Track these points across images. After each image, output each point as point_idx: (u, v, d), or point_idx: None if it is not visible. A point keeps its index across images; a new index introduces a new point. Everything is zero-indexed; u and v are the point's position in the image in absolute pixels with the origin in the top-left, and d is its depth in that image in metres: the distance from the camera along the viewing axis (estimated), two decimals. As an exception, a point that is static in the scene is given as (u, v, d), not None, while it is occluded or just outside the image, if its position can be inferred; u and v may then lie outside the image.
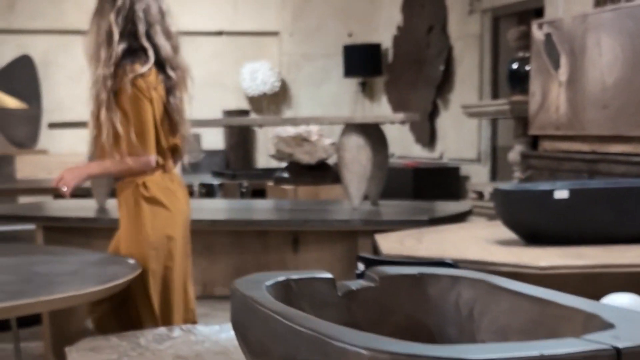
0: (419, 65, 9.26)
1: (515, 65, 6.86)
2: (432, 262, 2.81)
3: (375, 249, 3.60)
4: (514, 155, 6.90)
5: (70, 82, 9.18)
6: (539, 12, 7.94)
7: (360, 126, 4.65)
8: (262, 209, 5.12)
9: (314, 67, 10.38)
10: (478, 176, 8.32)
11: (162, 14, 3.64)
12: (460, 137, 8.58)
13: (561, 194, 3.00)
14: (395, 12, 9.96)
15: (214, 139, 9.91)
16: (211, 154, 9.78)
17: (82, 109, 4.02)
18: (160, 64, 3.53)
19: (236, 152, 9.76)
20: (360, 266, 2.96)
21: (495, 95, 8.19)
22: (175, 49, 3.67)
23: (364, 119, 4.63)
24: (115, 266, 3.03)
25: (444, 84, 8.81)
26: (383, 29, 10.28)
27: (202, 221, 4.51)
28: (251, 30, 10.25)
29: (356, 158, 4.65)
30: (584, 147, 5.90)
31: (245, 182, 6.77)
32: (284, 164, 8.43)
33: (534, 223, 3.07)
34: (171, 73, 3.56)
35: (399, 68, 9.68)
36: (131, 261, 3.12)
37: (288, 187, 6.01)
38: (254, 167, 9.98)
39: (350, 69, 10.08)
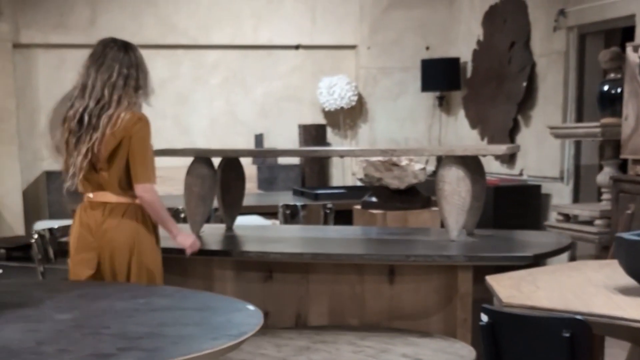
0: (499, 81, 9.16)
1: (605, 87, 6.74)
2: (563, 319, 2.74)
3: (487, 291, 3.54)
4: (602, 177, 6.78)
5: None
6: (626, 31, 7.81)
7: (460, 157, 4.59)
8: (357, 238, 5.07)
9: (390, 81, 10.32)
10: (560, 195, 8.19)
11: None
12: (541, 155, 8.46)
13: (690, 245, 2.92)
14: (474, 26, 9.86)
15: (290, 153, 9.89)
16: (286, 168, 9.77)
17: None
18: None
19: (311, 167, 9.74)
20: (484, 317, 2.90)
21: (579, 114, 8.06)
22: None
23: (464, 150, 4.55)
24: (237, 313, 3.01)
25: (526, 100, 8.69)
26: (461, 43, 10.19)
27: (302, 255, 4.50)
28: (329, 44, 10.22)
29: (456, 190, 4.59)
30: (682, 173, 5.77)
31: (329, 203, 6.72)
32: (359, 183, 8.41)
33: (660, 274, 2.99)
34: None
35: (479, 83, 9.58)
36: (250, 307, 3.10)
37: (377, 211, 5.96)
38: (331, 184, 9.95)
39: (427, 83, 10.00)
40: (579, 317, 2.72)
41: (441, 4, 10.42)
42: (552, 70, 8.37)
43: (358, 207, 6.29)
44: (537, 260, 4.20)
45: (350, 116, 10.20)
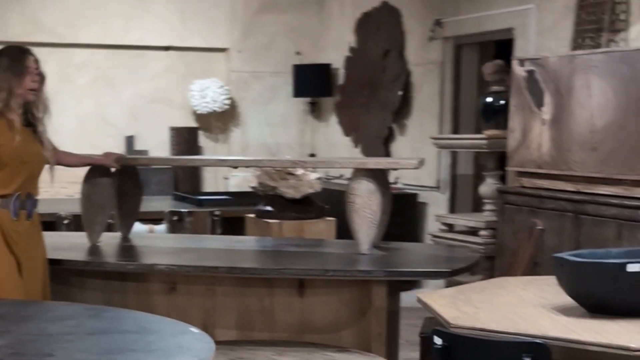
0: (373, 89, 9.22)
1: (489, 99, 6.87)
2: (523, 342, 2.75)
3: (397, 305, 3.53)
4: (485, 188, 6.91)
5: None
6: (499, 43, 8.01)
7: (371, 170, 4.58)
8: (266, 250, 4.98)
9: (262, 86, 10.26)
10: (437, 204, 8.32)
11: None
12: (417, 163, 8.56)
13: (634, 267, 2.99)
14: (346, 33, 9.91)
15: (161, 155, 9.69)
16: (159, 171, 9.55)
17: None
18: None
19: (184, 170, 9.57)
20: (438, 340, 2.88)
21: (455, 125, 8.20)
22: None
23: (377, 164, 4.55)
24: (183, 337, 2.90)
25: (401, 109, 8.78)
26: (332, 49, 10.22)
27: (205, 267, 4.39)
28: (200, 46, 10.07)
29: (367, 203, 4.57)
30: (568, 186, 5.94)
31: (217, 210, 6.61)
32: (233, 189, 8.30)
33: (604, 295, 3.04)
34: None
35: (351, 90, 9.63)
36: (194, 329, 2.99)
37: (272, 221, 5.89)
38: (204, 188, 9.80)
39: (299, 89, 9.99)
40: (539, 340, 2.73)
41: (311, 10, 10.42)
42: (427, 79, 8.49)
43: (251, 215, 6.20)
44: (454, 275, 4.23)
45: (221, 120, 10.07)
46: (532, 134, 6.21)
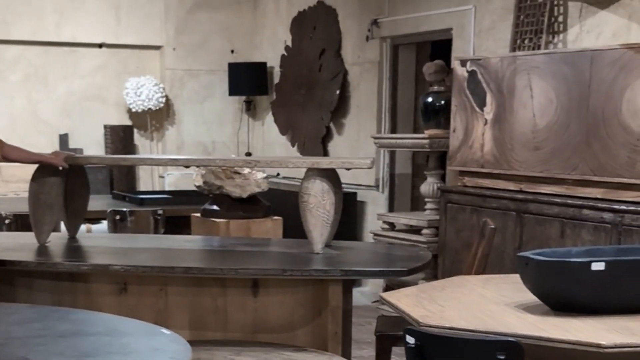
0: (309, 88, 9.26)
1: (429, 99, 6.95)
2: (496, 341, 2.81)
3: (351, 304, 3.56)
4: (426, 187, 6.99)
5: None
6: (435, 43, 8.11)
7: (324, 170, 4.61)
8: (216, 249, 4.96)
9: (197, 84, 10.22)
10: (376, 203, 8.39)
11: None
12: (354, 162, 8.62)
13: (598, 265, 3.06)
14: (281, 32, 9.93)
15: (95, 153, 9.60)
16: (94, 170, 9.43)
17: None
18: None
19: (120, 169, 9.49)
20: (410, 339, 2.92)
21: (393, 124, 8.28)
22: None
23: (330, 163, 4.57)
24: (157, 339, 2.89)
25: (339, 108, 8.83)
26: (267, 47, 10.23)
27: (162, 268, 4.37)
28: (133, 44, 9.98)
29: (321, 203, 4.59)
30: (510, 185, 6.05)
31: (159, 209, 6.56)
32: (169, 187, 8.24)
33: (569, 294, 3.12)
34: None
35: (288, 89, 9.65)
36: (165, 331, 2.98)
37: (219, 220, 5.87)
38: (139, 187, 9.73)
39: (235, 87, 9.98)
40: (511, 339, 2.79)
41: (246, 8, 10.42)
42: (365, 79, 8.55)
43: (196, 214, 6.18)
44: (412, 273, 4.28)
45: (156, 118, 10.00)
46: (474, 134, 6.31)
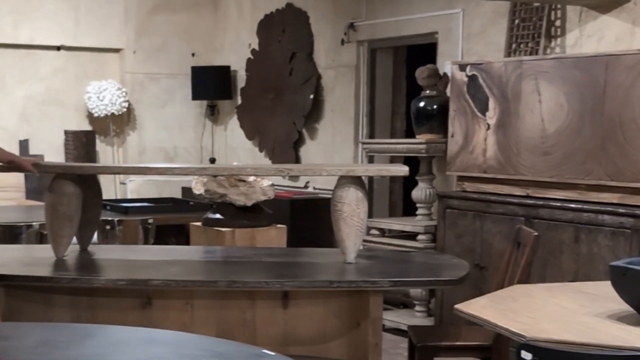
0: (278, 92, 9.10)
1: (421, 103, 6.87)
2: (625, 356, 2.72)
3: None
4: (417, 192, 6.90)
5: None
6: (412, 48, 8.05)
7: (358, 177, 4.49)
8: (243, 261, 4.78)
9: (158, 88, 9.97)
10: (353, 207, 8.27)
11: None
12: (328, 167, 8.50)
13: (701, 274, 3.01)
14: (244, 35, 9.75)
15: (56, 159, 9.28)
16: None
17: None
18: None
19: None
20: (527, 355, 2.82)
21: (371, 128, 8.19)
22: None
23: (366, 171, 4.46)
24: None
25: (311, 113, 8.70)
26: (229, 50, 10.04)
27: (180, 282, 4.19)
28: (93, 46, 9.68)
29: (355, 212, 4.48)
30: (516, 190, 6.01)
31: (150, 218, 6.35)
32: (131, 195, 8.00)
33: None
34: None
35: (254, 93, 9.47)
36: (269, 352, 2.82)
37: (224, 229, 5.69)
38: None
39: (198, 91, 9.77)
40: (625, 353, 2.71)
41: (205, 10, 10.21)
42: (340, 83, 8.44)
43: (196, 223, 5.98)
44: (461, 282, 4.19)
45: (117, 123, 9.73)
46: (475, 139, 6.25)
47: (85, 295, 4.44)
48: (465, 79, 6.29)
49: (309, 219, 8.06)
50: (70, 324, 3.92)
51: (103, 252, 5.02)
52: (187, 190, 9.36)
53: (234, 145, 9.91)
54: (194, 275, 4.45)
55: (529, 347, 2.82)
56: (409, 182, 7.43)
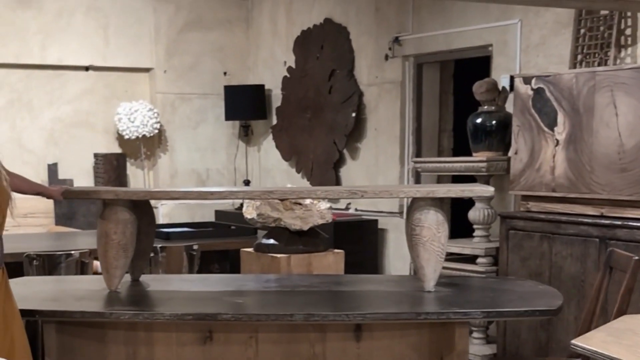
0: (317, 111, 8.73)
1: (479, 119, 6.49)
2: None
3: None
4: (474, 213, 6.51)
5: None
6: (460, 62, 7.69)
7: (438, 199, 4.11)
8: (310, 290, 4.39)
9: (190, 108, 9.62)
10: (399, 230, 7.88)
11: None
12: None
13: None
14: (279, 52, 9.41)
15: (86, 183, 8.94)
16: (85, 201, 8.77)
17: None
18: None
19: (114, 201, 8.82)
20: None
21: (418, 146, 7.81)
22: None
23: (447, 192, 4.07)
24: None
25: (353, 132, 8.32)
26: (263, 69, 9.70)
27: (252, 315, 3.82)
28: (122, 66, 9.34)
29: (435, 236, 4.10)
30: (589, 210, 5.62)
31: (194, 244, 5.96)
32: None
33: None
34: None
35: (291, 112, 9.11)
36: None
37: (279, 255, 5.30)
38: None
39: (231, 111, 9.41)
40: None
41: (238, 27, 9.87)
42: (384, 100, 8.07)
43: (247, 249, 5.60)
44: (557, 313, 3.80)
45: (148, 145, 9.37)
46: (542, 156, 5.86)
47: (142, 330, 4.08)
48: (531, 92, 5.91)
49: (354, 242, 7.67)
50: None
51: (157, 282, 4.63)
52: (221, 214, 9.01)
53: (269, 167, 9.55)
54: (263, 307, 4.08)
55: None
56: (455, 202, 7.07)
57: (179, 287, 4.57)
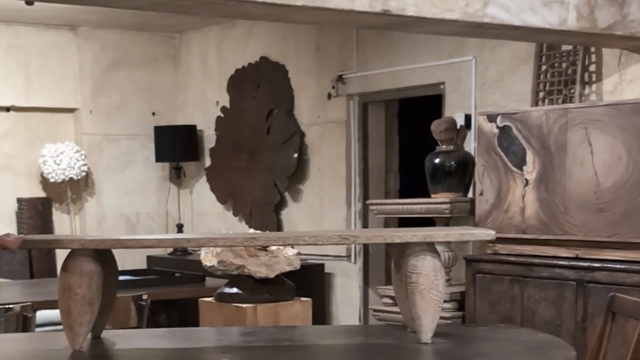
0: (254, 151, 8.41)
1: (437, 159, 6.25)
2: None
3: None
4: (434, 256, 6.23)
5: None
6: (404, 101, 7.51)
7: (432, 244, 3.82)
8: (306, 343, 4.02)
9: (117, 150, 9.17)
10: (347, 274, 7.60)
11: None
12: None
13: None
14: (210, 92, 9.06)
15: (8, 230, 8.37)
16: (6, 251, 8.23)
17: None
18: None
19: (40, 249, 8.29)
20: None
21: (365, 188, 7.54)
22: None
23: (446, 236, 3.79)
24: None
25: (295, 173, 8.01)
26: (193, 109, 9.33)
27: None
28: (45, 106, 8.86)
29: (434, 284, 3.79)
30: (562, 252, 5.41)
31: (144, 293, 5.53)
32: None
33: None
34: None
35: (226, 153, 8.75)
36: None
37: (244, 305, 4.93)
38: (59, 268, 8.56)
39: (161, 153, 9.00)
40: None
41: (165, 66, 9.49)
42: (327, 140, 7.80)
43: (207, 299, 5.22)
44: (576, 366, 3.53)
45: (73, 188, 8.88)
46: (510, 197, 5.64)
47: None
48: (496, 130, 5.70)
49: (300, 287, 7.28)
50: None
51: (122, 340, 4.20)
52: (154, 260, 8.58)
53: (203, 210, 9.15)
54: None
55: None
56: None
57: (150, 344, 4.15)
